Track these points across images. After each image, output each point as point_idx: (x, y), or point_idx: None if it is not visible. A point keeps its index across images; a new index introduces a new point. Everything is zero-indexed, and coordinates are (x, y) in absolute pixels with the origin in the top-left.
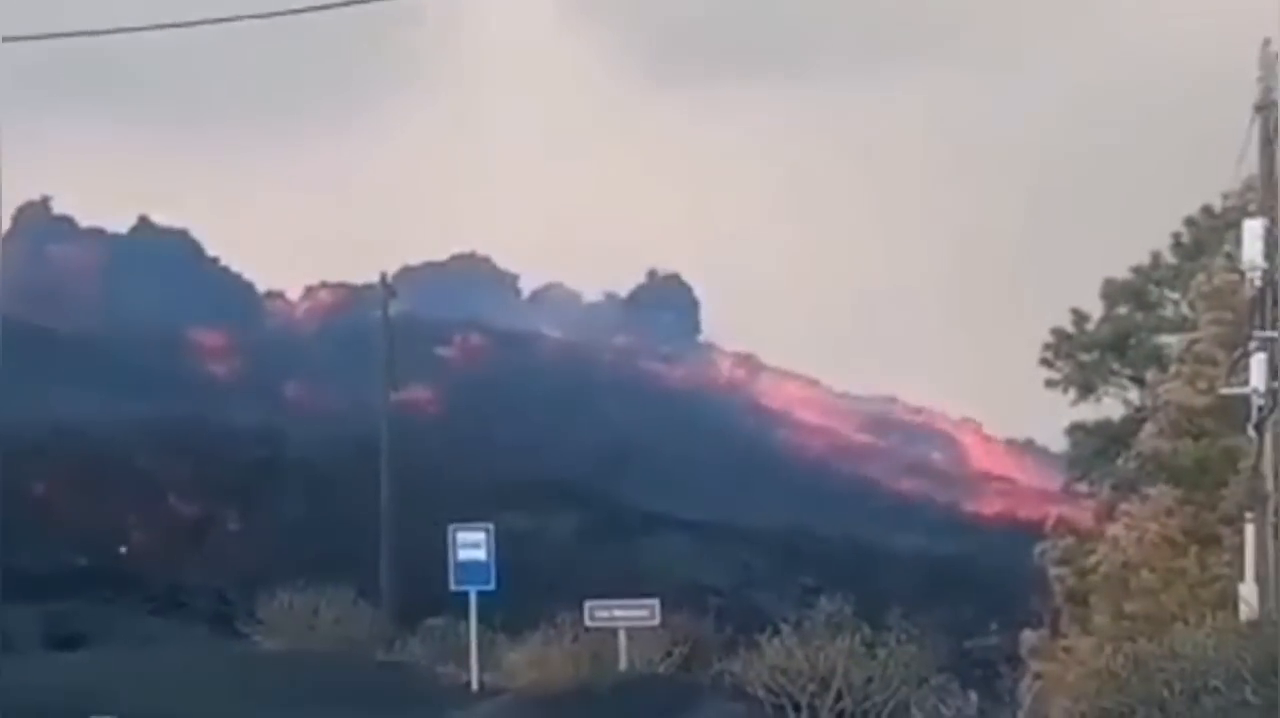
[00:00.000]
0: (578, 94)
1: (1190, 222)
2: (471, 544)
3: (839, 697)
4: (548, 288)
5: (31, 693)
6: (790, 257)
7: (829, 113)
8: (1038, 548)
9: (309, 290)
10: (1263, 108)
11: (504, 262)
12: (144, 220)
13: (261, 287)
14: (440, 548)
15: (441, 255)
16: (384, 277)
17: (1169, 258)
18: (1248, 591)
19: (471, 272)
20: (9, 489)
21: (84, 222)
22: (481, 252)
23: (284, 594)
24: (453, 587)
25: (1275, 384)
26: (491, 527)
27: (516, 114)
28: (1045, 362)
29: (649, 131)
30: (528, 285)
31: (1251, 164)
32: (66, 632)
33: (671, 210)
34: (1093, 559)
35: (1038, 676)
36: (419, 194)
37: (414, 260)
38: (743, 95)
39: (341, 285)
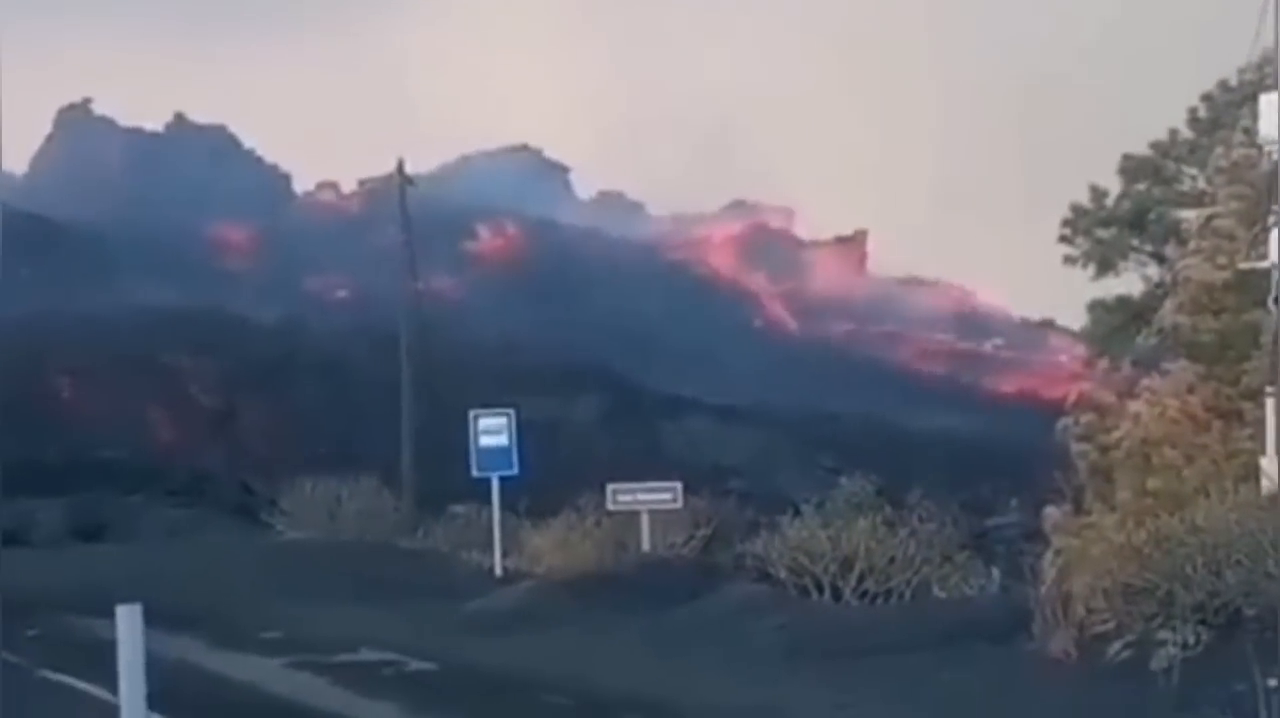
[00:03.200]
0: None
1: (1206, 97)
2: (494, 430)
3: (861, 577)
4: (587, 178)
5: (57, 584)
6: (809, 138)
7: None
8: (1059, 424)
9: (363, 183)
10: None
11: (553, 153)
12: (179, 117)
13: (301, 179)
14: (462, 435)
15: (490, 145)
16: (400, 165)
17: (1186, 133)
18: (1269, 464)
19: (520, 162)
20: (34, 382)
21: (123, 120)
22: (532, 143)
23: (307, 484)
24: (475, 473)
25: None
26: (513, 412)
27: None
28: (1064, 238)
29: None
30: (572, 176)
31: (1267, 38)
32: (91, 523)
33: (702, 85)
34: (1115, 435)
35: (1060, 552)
36: (460, 81)
37: (468, 150)
38: None
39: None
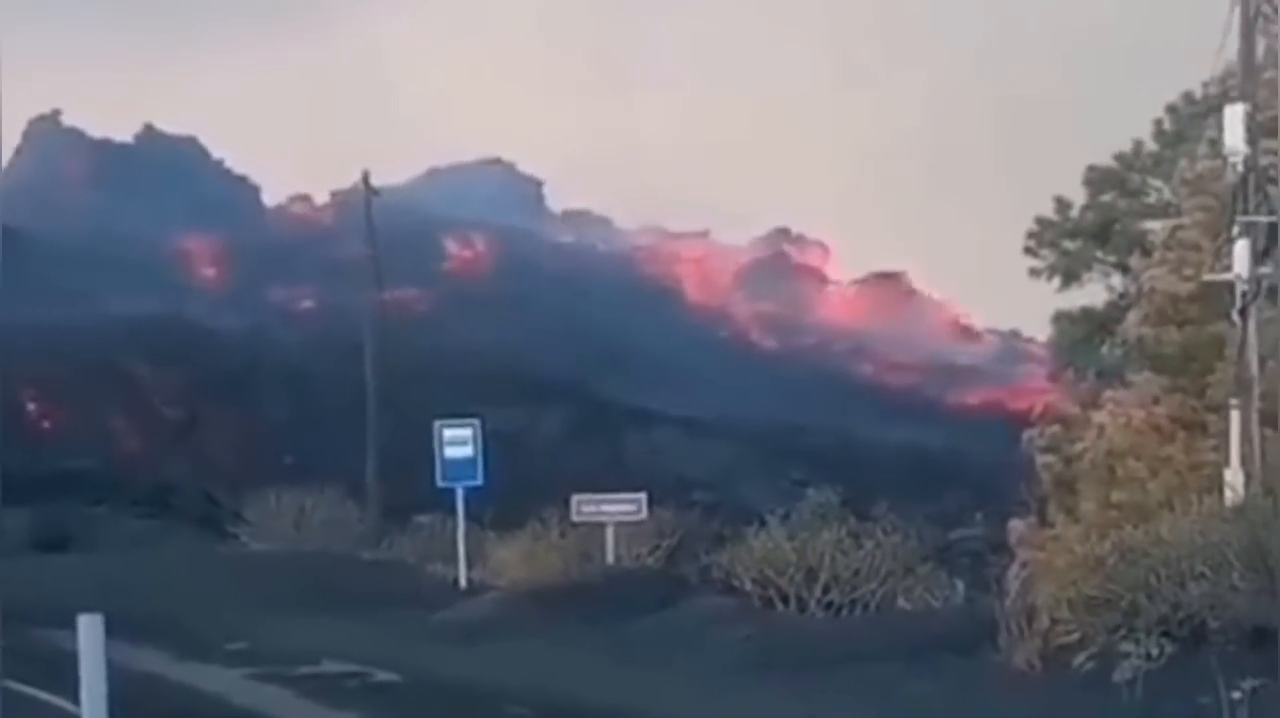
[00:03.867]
0: None
1: (1171, 108)
2: (459, 441)
3: (826, 588)
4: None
5: (19, 594)
6: (774, 154)
7: None
8: (1025, 436)
9: (334, 195)
10: None
11: (528, 167)
12: (149, 128)
13: (273, 190)
14: (427, 445)
15: (467, 158)
16: (366, 176)
17: (1151, 145)
18: (1233, 476)
19: (493, 176)
20: None
21: (92, 132)
22: (505, 156)
23: (272, 495)
24: (440, 483)
25: (1258, 270)
26: (479, 422)
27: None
28: (1029, 250)
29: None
30: (545, 189)
31: (1232, 49)
32: (54, 534)
33: (669, 105)
34: (1079, 447)
35: (1025, 564)
36: (428, 94)
37: (447, 161)
38: None
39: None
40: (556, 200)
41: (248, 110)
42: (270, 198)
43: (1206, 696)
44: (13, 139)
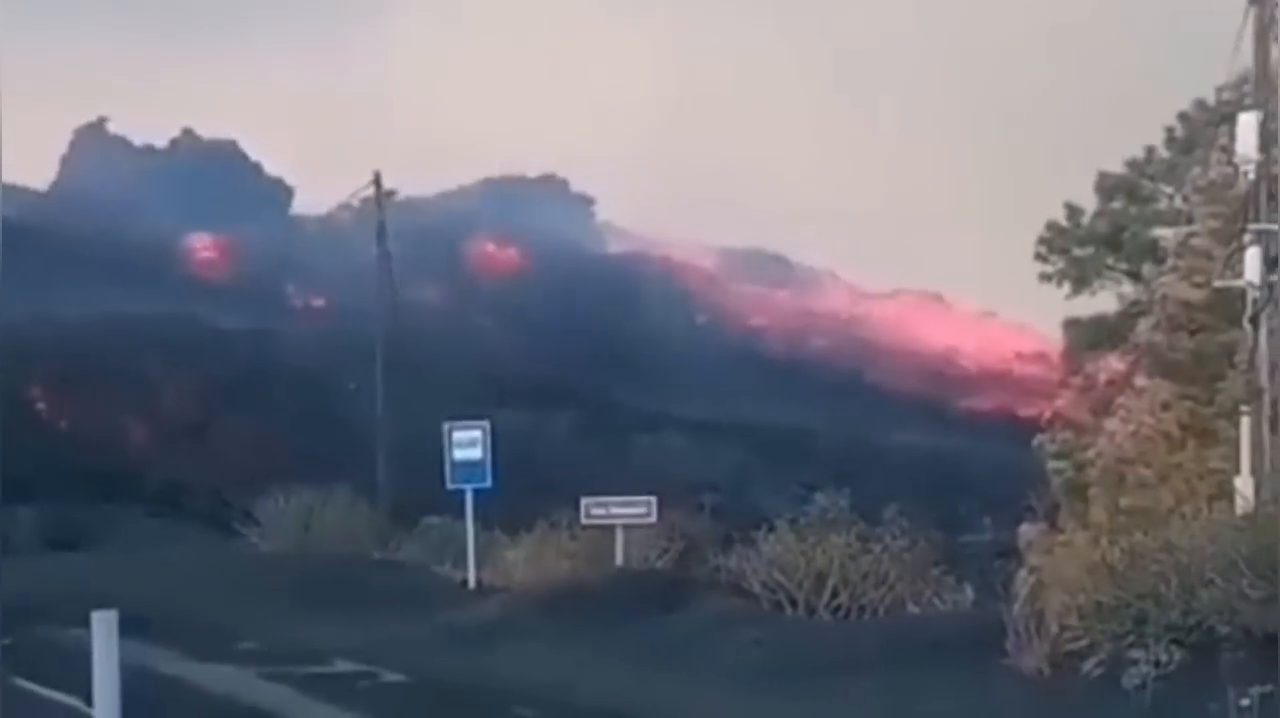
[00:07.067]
0: None
1: (1183, 115)
2: (468, 443)
3: (835, 592)
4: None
5: (31, 592)
6: (795, 155)
7: (824, 9)
8: (1035, 441)
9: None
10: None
11: (578, 184)
12: (188, 133)
13: (319, 195)
14: (437, 447)
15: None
16: (377, 176)
17: (1162, 152)
18: (1243, 484)
19: (541, 190)
20: (8, 391)
21: (135, 138)
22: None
23: (281, 495)
24: (449, 485)
25: (1270, 278)
26: (488, 424)
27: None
28: (1040, 256)
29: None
30: (576, 201)
31: (1245, 56)
32: (65, 533)
33: (671, 110)
34: (1090, 453)
35: (1034, 569)
36: (480, 104)
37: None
38: None
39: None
40: (606, 214)
41: (291, 117)
42: (310, 204)
43: (1216, 702)
44: (59, 148)
